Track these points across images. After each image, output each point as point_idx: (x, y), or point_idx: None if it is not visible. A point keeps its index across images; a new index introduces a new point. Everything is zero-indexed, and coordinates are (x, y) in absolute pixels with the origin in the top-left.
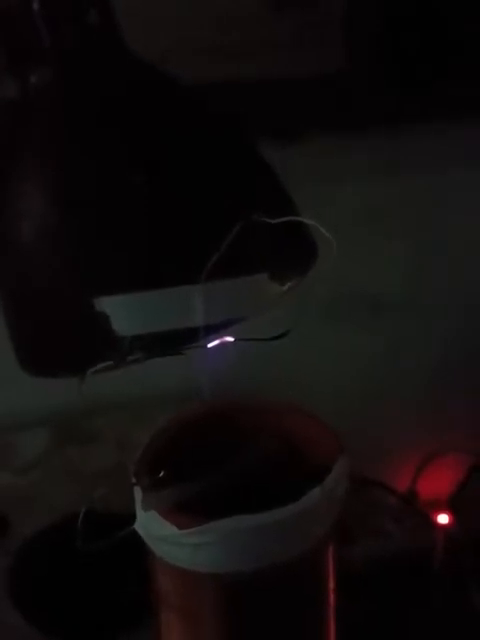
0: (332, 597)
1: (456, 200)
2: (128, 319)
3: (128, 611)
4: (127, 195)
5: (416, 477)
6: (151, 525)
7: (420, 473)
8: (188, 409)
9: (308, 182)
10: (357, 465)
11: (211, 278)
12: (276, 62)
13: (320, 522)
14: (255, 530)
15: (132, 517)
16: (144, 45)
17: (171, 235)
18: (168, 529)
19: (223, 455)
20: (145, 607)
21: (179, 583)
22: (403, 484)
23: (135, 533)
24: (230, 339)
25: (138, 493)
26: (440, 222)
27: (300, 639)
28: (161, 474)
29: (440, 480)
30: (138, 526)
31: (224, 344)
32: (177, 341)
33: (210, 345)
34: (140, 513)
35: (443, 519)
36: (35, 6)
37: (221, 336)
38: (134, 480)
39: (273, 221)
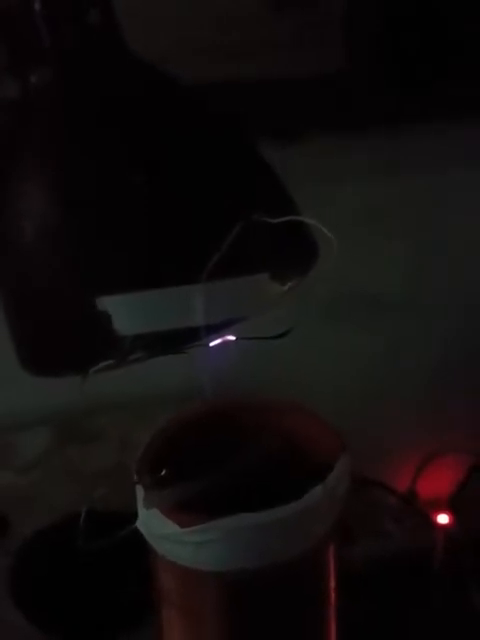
0: (333, 596)
1: (456, 200)
2: (129, 318)
3: (128, 610)
4: (127, 195)
5: (416, 477)
6: (153, 523)
7: (420, 473)
8: (190, 408)
9: (308, 182)
10: (357, 465)
11: (212, 278)
12: (276, 62)
13: (321, 521)
14: (257, 528)
15: (132, 516)
16: (144, 45)
17: (171, 235)
18: (170, 527)
19: (225, 454)
20: (145, 606)
21: (180, 581)
22: (403, 484)
23: (135, 532)
24: (231, 338)
25: (140, 491)
26: (440, 222)
27: (301, 637)
28: (163, 473)
29: (440, 480)
30: (140, 524)
31: (225, 343)
32: (178, 340)
33: (212, 344)
34: (142, 511)
35: (443, 519)
36: (36, 6)
37: (222, 335)
38: (136, 479)
39: (274, 221)
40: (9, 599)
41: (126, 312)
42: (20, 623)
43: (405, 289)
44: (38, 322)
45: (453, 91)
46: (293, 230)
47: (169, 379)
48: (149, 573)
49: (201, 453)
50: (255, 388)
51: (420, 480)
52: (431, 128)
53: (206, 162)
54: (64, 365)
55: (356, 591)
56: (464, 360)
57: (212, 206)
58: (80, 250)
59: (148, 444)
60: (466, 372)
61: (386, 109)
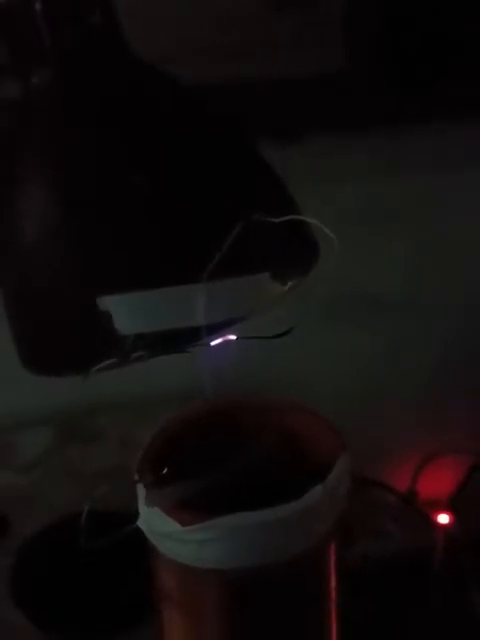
0: (334, 595)
1: (456, 200)
2: (130, 318)
3: (128, 610)
4: (127, 195)
5: (416, 477)
6: (154, 522)
7: (420, 473)
8: (191, 407)
9: (308, 182)
10: (357, 465)
11: (213, 277)
12: (276, 62)
13: (322, 519)
14: (258, 527)
15: (132, 516)
16: (144, 45)
17: (172, 234)
18: (171, 526)
19: (225, 453)
20: (145, 606)
21: (182, 580)
22: (403, 484)
23: (135, 532)
24: (232, 338)
25: (141, 490)
26: (440, 222)
27: (302, 636)
28: (164, 471)
29: (440, 480)
30: (141, 523)
31: (226, 343)
32: (179, 340)
33: (212, 344)
34: (143, 510)
35: (443, 519)
36: (37, 6)
37: (223, 335)
38: (137, 477)
39: (276, 220)
40: (9, 599)
41: (127, 311)
42: (20, 623)
43: (405, 289)
44: (39, 321)
45: (453, 91)
46: (294, 230)
47: (169, 379)
48: (150, 572)
49: (202, 452)
50: (255, 388)
51: (420, 480)
52: (431, 128)
53: (206, 162)
54: (65, 364)
55: (356, 591)
56: (464, 360)
57: (212, 206)
58: (80, 250)
59: (149, 443)
60: (466, 372)
61: (386, 109)
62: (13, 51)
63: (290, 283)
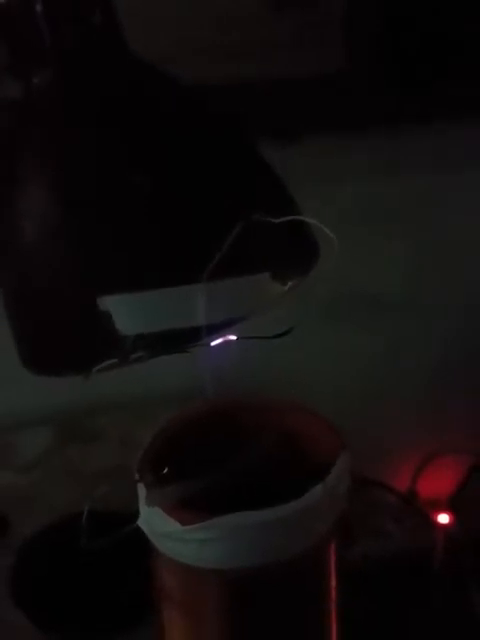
0: (334, 594)
1: (456, 200)
2: (130, 318)
3: (128, 610)
4: (128, 195)
5: (416, 477)
6: (154, 521)
7: (420, 473)
8: (191, 407)
9: (308, 182)
10: (357, 465)
11: (213, 277)
12: (276, 62)
13: (322, 519)
14: (259, 526)
15: (132, 517)
16: (144, 45)
17: (172, 235)
18: (172, 525)
19: (225, 452)
20: (145, 606)
21: (182, 579)
22: (403, 484)
23: (136, 532)
24: (233, 337)
25: (142, 490)
26: (440, 222)
27: (303, 636)
28: (165, 471)
29: (440, 480)
30: (141, 522)
31: (227, 343)
32: (180, 340)
33: (213, 344)
34: (144, 509)
35: (443, 519)
36: (37, 7)
37: (223, 335)
38: (138, 477)
39: (276, 220)
40: (9, 599)
41: (127, 312)
42: (20, 623)
43: (405, 289)
44: (39, 321)
45: (453, 91)
46: (294, 230)
47: (169, 379)
48: (150, 571)
49: (202, 452)
50: (255, 388)
51: (420, 480)
52: (431, 128)
53: (206, 162)
54: (65, 364)
55: (356, 591)
56: (464, 360)
57: (212, 206)
58: (81, 250)
59: (150, 443)
60: (466, 372)
61: (386, 109)
62: (13, 51)
63: (290, 283)
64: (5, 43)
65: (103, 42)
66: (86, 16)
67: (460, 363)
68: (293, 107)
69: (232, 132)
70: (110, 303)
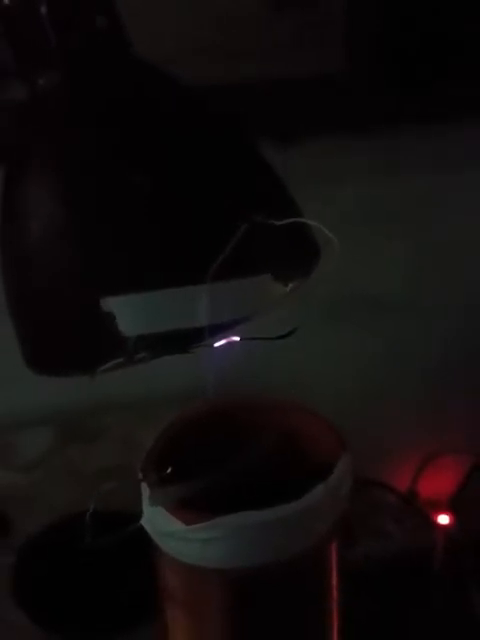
0: (336, 594)
1: (456, 201)
2: (133, 319)
3: (129, 610)
4: (132, 196)
5: (416, 477)
6: (158, 521)
7: (420, 473)
8: (193, 407)
9: (309, 183)
10: (358, 465)
11: (216, 278)
12: (276, 62)
13: (324, 519)
14: (261, 526)
15: (134, 516)
16: (144, 45)
17: (175, 235)
18: (174, 525)
19: (228, 453)
20: (146, 606)
21: (185, 579)
22: (403, 484)
23: (137, 532)
24: (236, 338)
25: (145, 489)
26: (440, 223)
27: (304, 635)
28: (168, 471)
29: (440, 480)
30: (145, 522)
31: (229, 343)
32: (182, 341)
33: (216, 345)
34: (147, 509)
35: (443, 519)
36: (42, 10)
37: (226, 335)
38: (141, 476)
39: (278, 222)
40: (10, 598)
41: (130, 312)
42: (21, 622)
43: (405, 290)
44: (42, 322)
45: (453, 91)
46: (295, 231)
47: (172, 379)
48: (153, 571)
49: (205, 452)
50: (256, 388)
51: (420, 480)
52: (431, 129)
53: (207, 162)
54: (68, 365)
55: (356, 591)
56: (464, 360)
57: (213, 206)
58: (84, 251)
59: (153, 443)
60: (466, 372)
61: (386, 109)
62: (18, 53)
63: (291, 284)
64: (10, 45)
65: (107, 44)
66: (90, 18)
67: (460, 363)
68: (293, 107)
69: (233, 132)
70: (113, 304)
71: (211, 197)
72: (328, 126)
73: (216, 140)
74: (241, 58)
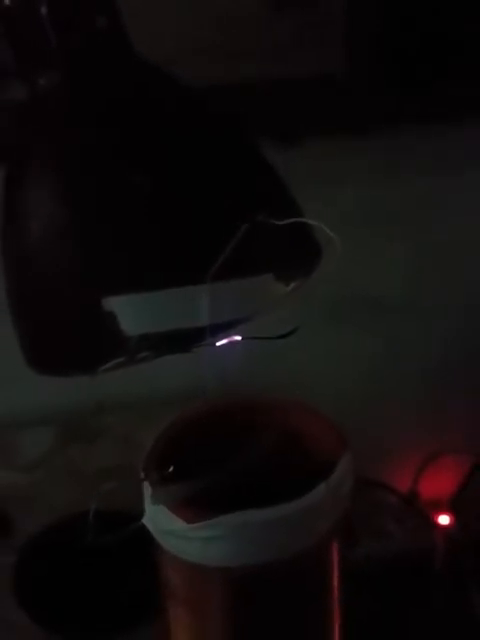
0: (337, 592)
1: (456, 201)
2: (135, 318)
3: (130, 610)
4: (132, 196)
5: (417, 478)
6: (160, 519)
7: (421, 474)
8: (195, 406)
9: (309, 184)
10: (358, 465)
11: (217, 278)
12: (276, 62)
13: (325, 518)
14: (263, 524)
15: (135, 516)
16: (145, 46)
17: (177, 235)
18: (176, 523)
19: (229, 451)
20: (146, 606)
21: (186, 577)
22: (404, 485)
23: (137, 533)
24: (238, 338)
25: (147, 488)
26: (440, 223)
27: (305, 633)
28: (170, 470)
29: (441, 481)
30: (146, 521)
31: (231, 343)
32: (184, 340)
33: (218, 344)
34: (149, 508)
35: (444, 520)
36: (43, 9)
37: (228, 335)
38: (143, 475)
39: (280, 222)
40: (11, 598)
41: (132, 312)
42: (22, 622)
43: (405, 291)
44: (44, 322)
45: (453, 91)
46: (296, 231)
47: (172, 379)
48: (155, 569)
49: (206, 451)
50: (257, 389)
51: (421, 481)
52: (431, 129)
53: (208, 162)
54: (70, 365)
55: (357, 591)
56: (464, 360)
57: (215, 207)
58: (85, 251)
59: (155, 442)
60: (466, 372)
61: (386, 109)
62: (19, 54)
63: (293, 284)
64: (10, 45)
65: (108, 44)
66: (91, 18)
67: (460, 363)
68: (293, 108)
69: (233, 133)
70: (115, 303)
71: (211, 197)
72: (328, 126)
73: (217, 140)
74: (241, 58)
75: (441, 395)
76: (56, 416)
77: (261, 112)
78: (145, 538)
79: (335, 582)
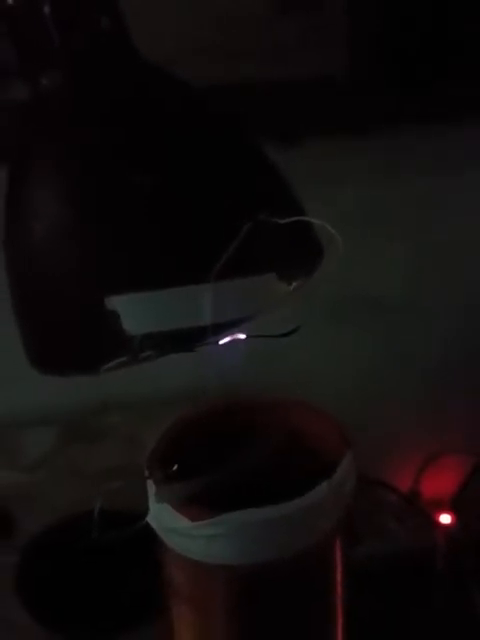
0: (340, 590)
1: (456, 201)
2: (138, 318)
3: (132, 609)
4: (136, 196)
5: (418, 477)
6: (163, 517)
7: (423, 473)
8: (198, 405)
9: (310, 184)
10: (359, 465)
11: (220, 277)
12: (276, 63)
13: (328, 516)
14: (266, 523)
15: (138, 515)
16: (144, 45)
17: (180, 235)
18: (180, 521)
19: (233, 450)
20: (149, 605)
21: (190, 575)
22: (405, 484)
23: (140, 532)
24: (242, 336)
25: (151, 486)
26: (440, 223)
27: (309, 631)
28: (174, 468)
29: (442, 480)
30: (150, 519)
31: (234, 342)
32: (187, 339)
33: (221, 343)
34: (153, 506)
35: (445, 519)
36: (45, 9)
37: (230, 334)
38: (147, 474)
39: (283, 221)
40: (14, 598)
41: (135, 311)
42: (24, 621)
43: (405, 291)
44: (47, 321)
45: (453, 91)
46: (299, 230)
47: (174, 379)
48: (159, 567)
49: (210, 449)
50: (257, 388)
51: (423, 480)
52: (431, 129)
53: (212, 163)
54: (73, 365)
55: (358, 590)
56: (464, 360)
57: (218, 207)
58: (89, 250)
59: (159, 440)
60: (466, 372)
61: (386, 109)
62: (22, 53)
63: (295, 283)
64: (13, 45)
65: (111, 44)
66: (94, 18)
67: (460, 363)
68: (293, 108)
69: (237, 132)
70: (117, 303)
71: (214, 197)
72: (328, 127)
73: (220, 140)
74: (241, 58)
75: (441, 395)
76: (57, 416)
77: (261, 112)
78: (148, 537)
79: (338, 580)
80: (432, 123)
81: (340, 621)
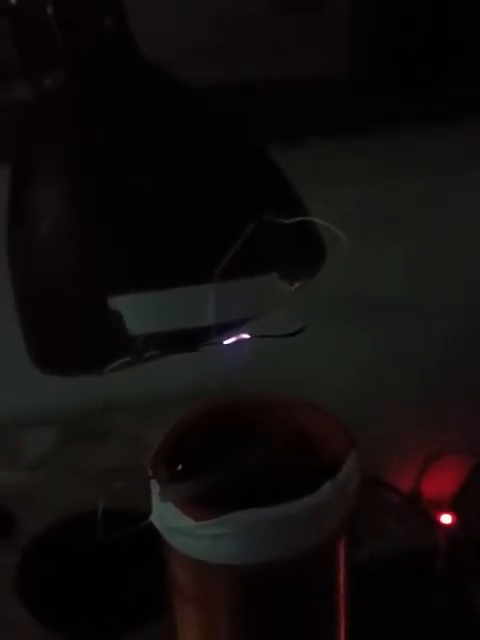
0: (343, 590)
1: (456, 201)
2: (141, 318)
3: (134, 609)
4: (138, 196)
5: (419, 477)
6: (168, 517)
7: (424, 473)
8: (202, 405)
9: (310, 184)
10: (360, 465)
11: (223, 277)
12: (276, 63)
13: (332, 516)
14: (270, 522)
15: (139, 515)
16: (144, 45)
17: (183, 235)
18: (184, 521)
19: (236, 450)
20: (151, 605)
21: (194, 575)
22: (406, 484)
23: (142, 531)
24: (246, 336)
25: (155, 486)
26: (440, 223)
27: (312, 630)
28: (178, 468)
29: (443, 480)
30: (154, 518)
31: (238, 342)
32: (190, 339)
33: (225, 343)
34: (157, 505)
35: (446, 519)
36: (49, 9)
37: (233, 334)
38: (151, 473)
39: (287, 221)
40: (15, 597)
41: (138, 311)
42: (25, 621)
43: (405, 291)
44: (50, 322)
45: (453, 91)
46: (302, 230)
47: (176, 379)
48: (162, 567)
49: (213, 449)
50: (258, 388)
51: (424, 480)
52: (431, 129)
53: (214, 163)
54: (75, 365)
55: (359, 590)
56: (464, 360)
57: (221, 207)
58: (92, 250)
59: (162, 440)
60: (466, 372)
61: (386, 109)
62: (25, 54)
63: (297, 283)
64: (17, 45)
65: (114, 44)
66: (97, 18)
67: (460, 363)
68: (293, 108)
69: (238, 133)
70: (121, 303)
71: (215, 197)
72: (328, 127)
73: (220, 140)
74: (241, 58)
75: (441, 395)
76: (58, 416)
77: (261, 112)
78: (151, 537)
79: (341, 580)
80: (432, 123)
81: (343, 621)
